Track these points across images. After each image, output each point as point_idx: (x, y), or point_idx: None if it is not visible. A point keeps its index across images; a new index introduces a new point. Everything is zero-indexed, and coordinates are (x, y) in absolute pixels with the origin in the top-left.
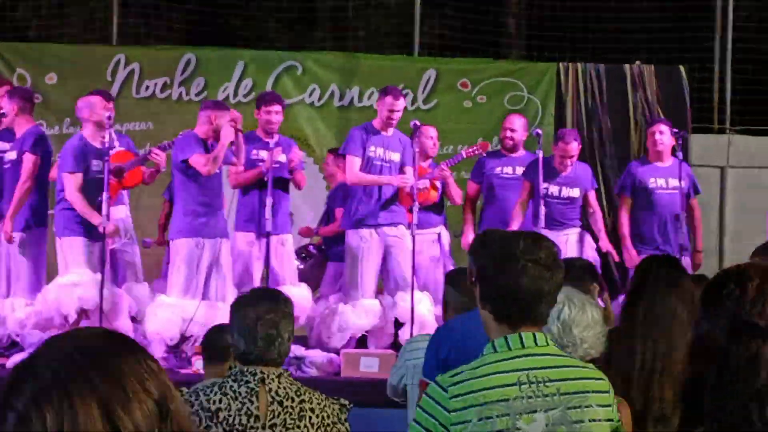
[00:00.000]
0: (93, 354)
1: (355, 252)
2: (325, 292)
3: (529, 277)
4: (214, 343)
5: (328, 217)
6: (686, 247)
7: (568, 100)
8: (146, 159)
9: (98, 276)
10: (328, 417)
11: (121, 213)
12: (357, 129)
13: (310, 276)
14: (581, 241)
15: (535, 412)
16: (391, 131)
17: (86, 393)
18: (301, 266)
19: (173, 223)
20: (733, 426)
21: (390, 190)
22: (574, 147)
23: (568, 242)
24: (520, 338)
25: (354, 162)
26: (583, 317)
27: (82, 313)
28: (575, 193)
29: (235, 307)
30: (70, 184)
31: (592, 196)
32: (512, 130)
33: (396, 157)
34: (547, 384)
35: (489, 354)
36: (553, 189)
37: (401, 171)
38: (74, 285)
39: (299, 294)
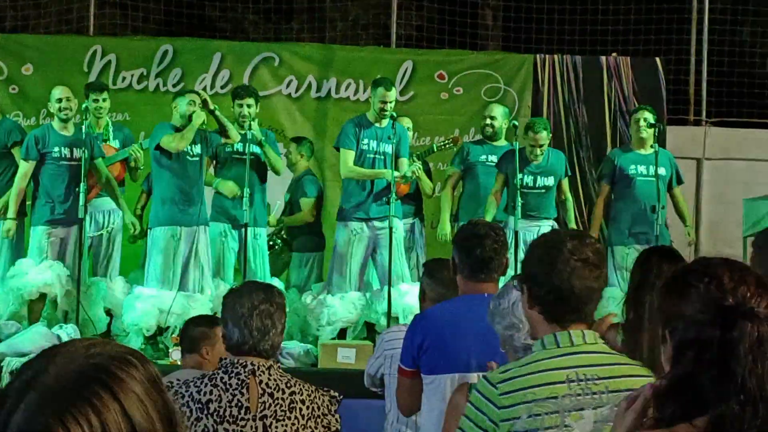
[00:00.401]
0: (106, 368)
1: (344, 244)
2: (293, 283)
3: (579, 278)
4: (190, 334)
5: (291, 207)
6: (663, 239)
7: (544, 92)
8: (128, 154)
9: (47, 264)
10: (318, 408)
11: (107, 204)
12: (350, 122)
13: (276, 266)
14: None
15: (583, 409)
16: (385, 122)
17: (111, 405)
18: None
19: (151, 212)
20: (755, 403)
21: (382, 183)
22: (544, 136)
23: (540, 234)
24: (570, 336)
25: (348, 155)
26: None
27: (39, 302)
28: (550, 181)
29: (229, 298)
30: (19, 170)
31: (564, 183)
32: (492, 118)
33: (389, 149)
34: (595, 382)
35: (538, 351)
36: (528, 179)
37: (396, 163)
38: (17, 276)
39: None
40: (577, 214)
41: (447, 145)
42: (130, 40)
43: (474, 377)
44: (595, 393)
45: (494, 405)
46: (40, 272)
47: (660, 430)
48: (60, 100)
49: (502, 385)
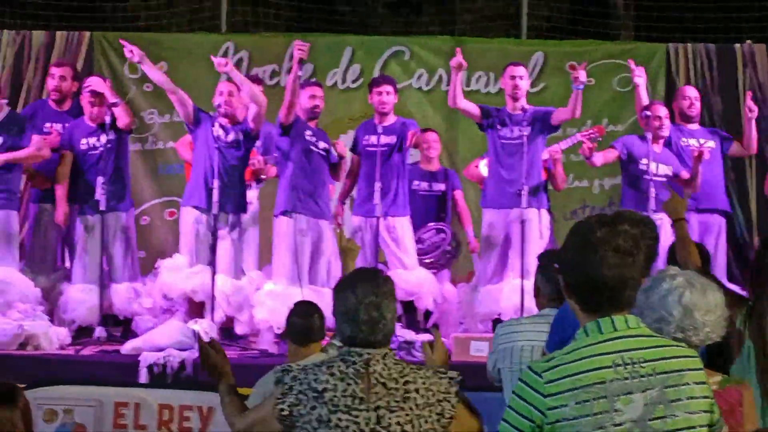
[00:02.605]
0: None
1: (489, 234)
2: None
3: (609, 267)
4: (296, 325)
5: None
6: None
7: (678, 81)
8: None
9: (197, 269)
10: (434, 395)
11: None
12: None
13: None
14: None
15: (632, 393)
16: (519, 105)
17: None
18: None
19: (276, 201)
20: None
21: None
22: (666, 125)
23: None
24: (612, 321)
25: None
26: (704, 301)
27: (190, 301)
28: (670, 170)
29: (336, 291)
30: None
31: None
32: (697, 99)
33: (525, 131)
34: (642, 364)
35: (581, 339)
36: (652, 166)
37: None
38: (170, 272)
39: (416, 277)
40: None
41: (592, 135)
42: (262, 36)
43: None
44: (642, 376)
45: (540, 394)
46: (188, 277)
47: None
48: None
49: (548, 374)
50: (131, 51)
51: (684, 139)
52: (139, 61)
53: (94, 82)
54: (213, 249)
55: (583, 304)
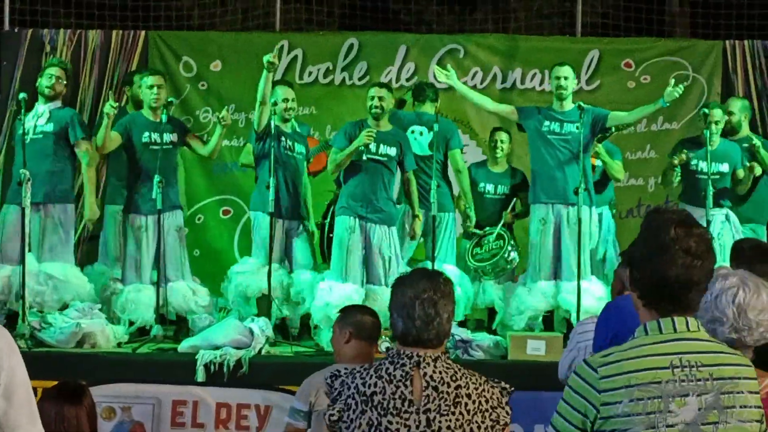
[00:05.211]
0: None
1: (535, 233)
2: None
3: (678, 267)
4: (366, 321)
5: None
6: None
7: (735, 79)
8: (328, 146)
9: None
10: (487, 402)
11: None
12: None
13: None
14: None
15: (687, 395)
16: (567, 106)
17: None
18: None
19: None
20: None
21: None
22: (719, 114)
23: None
24: (672, 322)
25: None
26: (758, 301)
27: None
28: (724, 168)
29: (395, 287)
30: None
31: (739, 172)
32: (731, 113)
33: (574, 128)
34: (699, 369)
35: (641, 337)
36: (703, 164)
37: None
38: (245, 274)
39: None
40: None
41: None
42: (316, 35)
43: None
44: (699, 380)
45: (594, 389)
46: (263, 276)
47: None
48: (151, 87)
49: (603, 369)
50: None
51: None
52: None
53: None
54: (270, 250)
55: (646, 300)
